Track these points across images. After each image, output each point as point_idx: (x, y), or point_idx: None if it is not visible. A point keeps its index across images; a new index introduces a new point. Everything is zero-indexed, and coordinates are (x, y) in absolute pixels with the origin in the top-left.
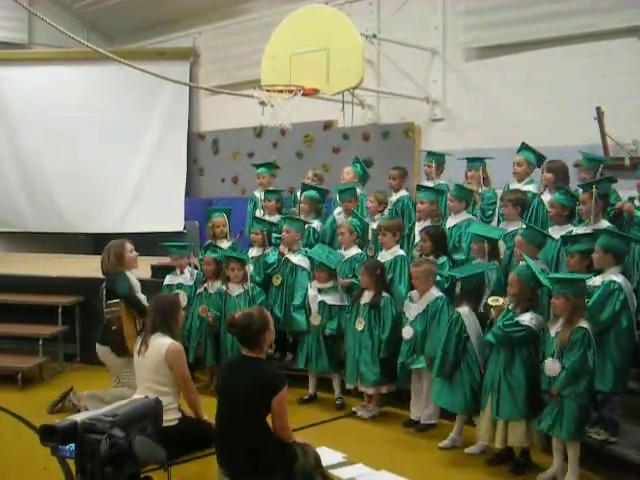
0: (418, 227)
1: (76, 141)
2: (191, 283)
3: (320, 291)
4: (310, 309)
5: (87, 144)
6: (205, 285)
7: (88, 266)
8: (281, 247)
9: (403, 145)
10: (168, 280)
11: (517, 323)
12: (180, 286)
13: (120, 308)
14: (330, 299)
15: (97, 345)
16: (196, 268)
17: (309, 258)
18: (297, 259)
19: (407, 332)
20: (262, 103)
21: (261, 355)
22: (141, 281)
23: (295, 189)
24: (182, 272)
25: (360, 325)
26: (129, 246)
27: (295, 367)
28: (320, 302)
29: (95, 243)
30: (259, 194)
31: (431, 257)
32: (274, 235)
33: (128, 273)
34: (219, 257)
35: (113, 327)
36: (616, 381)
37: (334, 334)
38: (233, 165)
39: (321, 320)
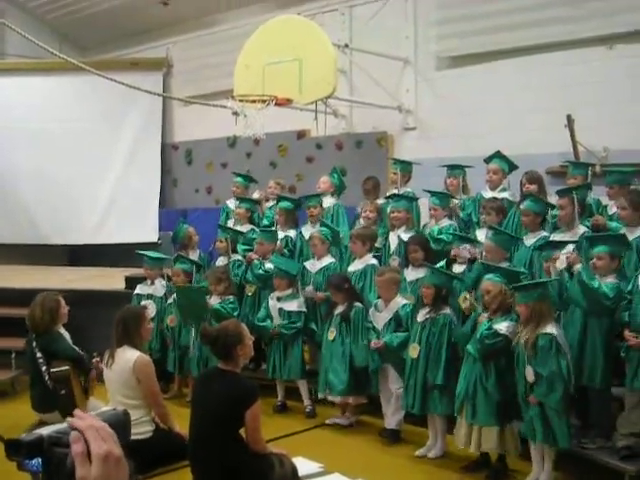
0: (392, 236)
1: (50, 152)
2: (161, 294)
3: (279, 299)
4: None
5: (61, 154)
6: (174, 296)
7: (62, 278)
8: (250, 254)
9: (376, 154)
10: (138, 289)
11: (496, 333)
12: (150, 297)
13: (68, 369)
14: (289, 305)
15: (41, 415)
16: (169, 279)
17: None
18: (270, 265)
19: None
20: (235, 113)
21: (236, 369)
22: (114, 292)
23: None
24: (153, 283)
25: (331, 335)
26: (63, 302)
27: (266, 377)
28: (280, 309)
29: (70, 254)
30: (232, 204)
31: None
32: (242, 247)
33: (60, 328)
34: (187, 268)
35: (62, 392)
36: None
37: (288, 334)
38: (207, 175)
39: (279, 325)
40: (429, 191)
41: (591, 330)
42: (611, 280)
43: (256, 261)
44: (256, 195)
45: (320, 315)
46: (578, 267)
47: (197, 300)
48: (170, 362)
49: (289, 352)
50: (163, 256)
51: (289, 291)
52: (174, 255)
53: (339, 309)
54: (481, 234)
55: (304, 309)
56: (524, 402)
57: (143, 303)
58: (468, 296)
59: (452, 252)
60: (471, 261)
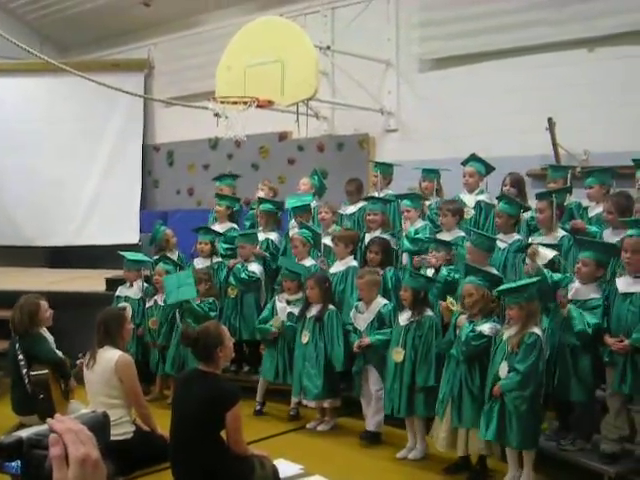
0: (368, 238)
1: (30, 153)
2: (138, 297)
3: (289, 302)
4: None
5: (42, 156)
6: (155, 297)
7: (42, 279)
8: (231, 262)
9: (358, 156)
10: (119, 291)
11: (480, 334)
12: (127, 299)
13: (48, 373)
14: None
15: (20, 418)
16: (147, 281)
17: (273, 268)
18: (252, 268)
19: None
20: (217, 115)
21: (216, 370)
22: (95, 294)
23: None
24: (131, 285)
25: (305, 338)
26: (44, 305)
27: (271, 382)
28: (289, 314)
29: (51, 256)
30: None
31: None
32: (223, 245)
33: (43, 331)
34: (169, 269)
35: (40, 396)
36: None
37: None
38: (188, 177)
39: (281, 327)
40: (398, 195)
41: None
42: (594, 295)
43: (239, 265)
44: (261, 194)
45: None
46: (568, 309)
47: (185, 280)
48: (152, 363)
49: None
50: (142, 258)
51: (299, 294)
52: (154, 257)
53: (313, 311)
54: (444, 236)
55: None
56: (489, 401)
57: (120, 305)
58: (452, 301)
59: (414, 261)
60: (436, 268)
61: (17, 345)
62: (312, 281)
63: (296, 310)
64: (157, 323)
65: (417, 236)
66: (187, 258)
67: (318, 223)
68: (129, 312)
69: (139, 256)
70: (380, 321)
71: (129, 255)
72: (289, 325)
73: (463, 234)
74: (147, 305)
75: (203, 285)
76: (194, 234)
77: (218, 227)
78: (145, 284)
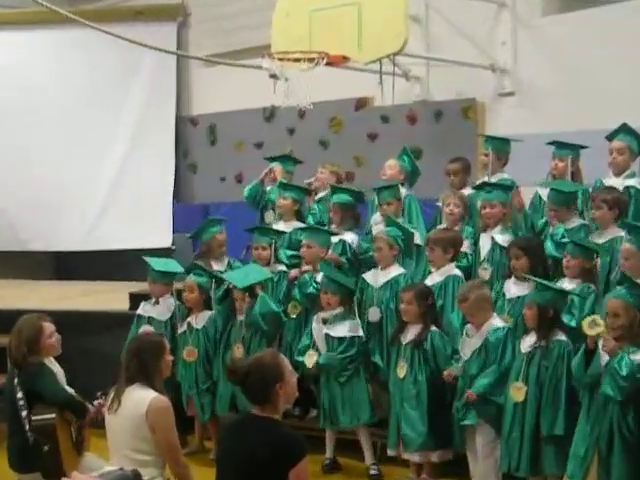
0: (485, 238)
1: (28, 129)
2: (164, 317)
3: (325, 322)
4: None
5: (43, 136)
6: (189, 320)
7: (47, 295)
8: (292, 272)
9: (461, 129)
10: (141, 310)
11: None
12: (151, 320)
13: (55, 417)
14: (338, 329)
15: (19, 476)
16: (179, 298)
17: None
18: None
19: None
20: (273, 76)
21: (274, 415)
22: (116, 314)
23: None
24: (157, 302)
25: (402, 371)
26: (48, 328)
27: (317, 426)
28: (326, 336)
29: (57, 265)
30: (274, 194)
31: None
32: (286, 252)
33: (48, 362)
34: (203, 283)
35: (45, 447)
36: None
37: (338, 369)
38: (236, 159)
39: (318, 359)
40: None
41: None
42: None
43: (306, 275)
44: (306, 181)
45: (386, 342)
46: None
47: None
48: (196, 406)
49: (345, 392)
50: (172, 267)
51: (338, 310)
52: (189, 265)
53: (410, 334)
54: (597, 237)
55: (360, 333)
56: None
57: (142, 330)
58: (597, 319)
59: None
60: None
61: (15, 381)
62: (409, 294)
63: (335, 330)
64: (195, 354)
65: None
66: None
67: (410, 219)
68: None
69: (169, 264)
70: (488, 347)
71: (155, 263)
72: (326, 360)
73: (622, 234)
74: (179, 330)
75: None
76: (243, 234)
77: (281, 226)
78: (177, 301)
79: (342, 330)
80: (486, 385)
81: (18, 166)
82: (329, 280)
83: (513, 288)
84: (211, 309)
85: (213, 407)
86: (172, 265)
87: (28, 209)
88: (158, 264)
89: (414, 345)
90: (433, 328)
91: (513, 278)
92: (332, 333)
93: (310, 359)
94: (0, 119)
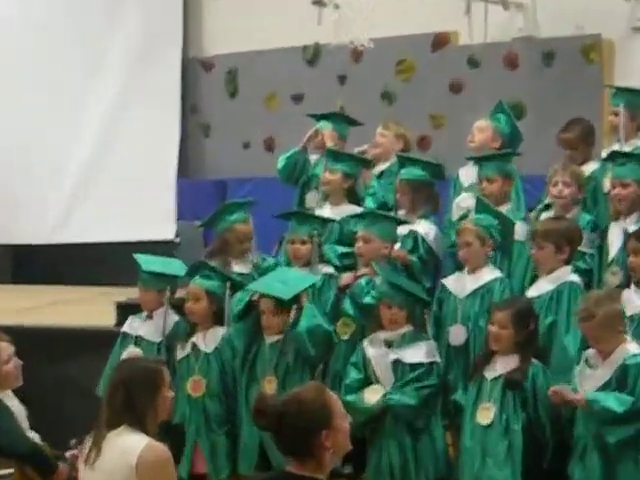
0: (615, 229)
1: None
2: (157, 338)
3: (390, 345)
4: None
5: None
6: (194, 340)
7: (4, 304)
8: (345, 277)
9: (581, 77)
10: (127, 326)
11: None
12: (138, 342)
13: (13, 475)
14: (411, 354)
15: None
16: (177, 309)
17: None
18: None
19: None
20: (318, 2)
21: (318, 474)
22: (98, 331)
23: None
24: (150, 316)
25: (486, 415)
26: (4, 350)
27: None
28: (395, 363)
29: (14, 263)
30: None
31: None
32: (336, 249)
33: (4, 397)
34: (214, 288)
35: None
36: None
37: (414, 407)
38: (266, 117)
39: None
40: None
41: None
42: None
43: (362, 281)
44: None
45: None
46: None
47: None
48: (192, 456)
49: (421, 445)
50: (168, 269)
51: (406, 329)
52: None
53: (499, 368)
54: None
55: (438, 359)
56: None
57: (127, 352)
58: None
59: None
60: None
61: None
62: (504, 315)
63: (406, 354)
64: (203, 386)
65: None
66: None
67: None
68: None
69: (167, 264)
70: (622, 382)
71: (146, 262)
72: (402, 396)
73: None
74: (180, 354)
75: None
76: (279, 223)
77: (327, 212)
78: (175, 316)
79: (416, 354)
80: (609, 408)
81: None
82: (393, 288)
83: (636, 299)
84: (223, 325)
85: (232, 462)
86: (171, 265)
87: None
88: (150, 263)
89: (509, 384)
90: (534, 362)
91: (633, 286)
92: (404, 358)
93: (373, 396)
94: None
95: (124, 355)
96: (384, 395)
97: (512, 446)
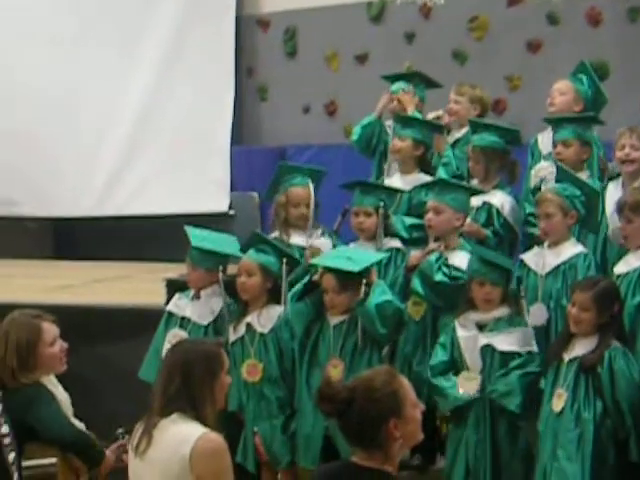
0: None
1: (12, 51)
2: (205, 320)
3: (483, 328)
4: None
5: (33, 55)
6: (248, 320)
7: (42, 282)
8: (415, 255)
9: None
10: (172, 305)
11: None
12: (184, 323)
13: (56, 464)
14: (505, 342)
15: None
16: (229, 291)
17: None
18: (458, 259)
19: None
20: None
21: (385, 465)
22: (149, 311)
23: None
24: (198, 295)
25: (559, 402)
26: (49, 332)
27: None
28: (486, 348)
29: (56, 238)
30: (390, 130)
31: None
32: (405, 220)
33: (47, 383)
34: (270, 264)
35: None
36: None
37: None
38: (327, 78)
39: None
40: None
41: None
42: None
43: (432, 257)
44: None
45: None
46: None
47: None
48: (247, 449)
49: (507, 440)
50: (221, 247)
51: (501, 311)
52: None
53: (578, 349)
54: None
55: (535, 348)
56: None
57: (172, 334)
58: None
59: None
60: None
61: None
62: (586, 296)
63: (500, 341)
64: (260, 371)
65: None
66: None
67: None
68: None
69: (221, 241)
70: None
71: (196, 236)
72: (497, 394)
73: None
74: (232, 337)
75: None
76: (343, 194)
77: (396, 181)
78: (225, 297)
79: (510, 341)
80: None
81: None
82: (485, 264)
83: None
84: (279, 303)
85: (292, 450)
86: (225, 242)
87: (12, 158)
88: (202, 239)
89: (581, 367)
90: (615, 344)
91: None
92: (496, 345)
93: (469, 385)
94: None
95: (168, 337)
96: (483, 386)
97: (582, 437)
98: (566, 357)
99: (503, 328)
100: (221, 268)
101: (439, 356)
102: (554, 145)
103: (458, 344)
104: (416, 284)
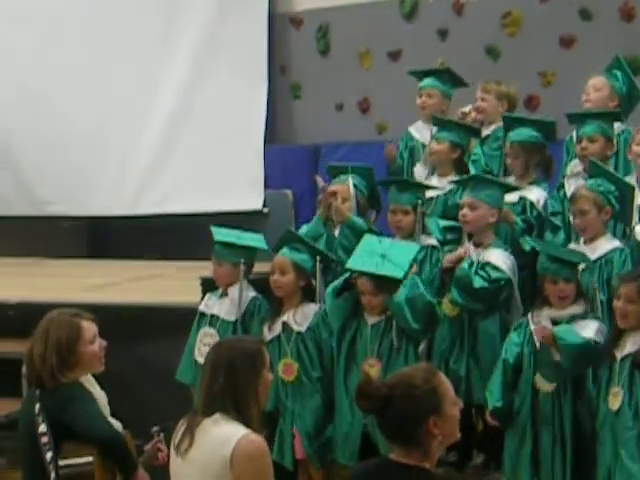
0: None
1: (44, 49)
2: (233, 317)
3: (557, 322)
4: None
5: (66, 53)
6: (285, 318)
7: (81, 281)
8: (449, 257)
9: None
10: (203, 305)
11: None
12: (214, 320)
13: (92, 463)
14: (582, 332)
15: None
16: (258, 289)
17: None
18: (495, 258)
19: None
20: None
21: (423, 462)
22: (185, 309)
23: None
24: (225, 293)
25: (616, 400)
26: (89, 330)
27: None
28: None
29: (90, 237)
30: (417, 132)
31: None
32: (438, 222)
33: (86, 382)
34: (303, 262)
35: None
36: None
37: None
38: (361, 76)
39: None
40: None
41: None
42: None
43: (464, 264)
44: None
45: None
46: None
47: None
48: (284, 447)
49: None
50: (245, 241)
51: (576, 308)
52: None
53: (629, 346)
54: None
55: (601, 339)
56: None
57: (202, 333)
58: None
59: None
60: None
61: (36, 408)
62: (630, 288)
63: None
64: (295, 369)
65: None
66: None
67: (626, 168)
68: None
69: (242, 235)
70: None
71: (219, 233)
72: None
73: None
74: (268, 336)
75: None
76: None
77: (434, 184)
78: (252, 292)
79: (588, 331)
80: None
81: (27, 96)
82: (555, 261)
83: None
84: (314, 301)
85: (331, 448)
86: (245, 236)
87: (46, 158)
88: (223, 234)
89: (634, 363)
90: None
91: None
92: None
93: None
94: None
95: (199, 337)
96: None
97: None
98: (618, 355)
99: (580, 319)
100: (243, 261)
101: (511, 350)
102: (578, 140)
103: (532, 341)
104: (455, 294)
